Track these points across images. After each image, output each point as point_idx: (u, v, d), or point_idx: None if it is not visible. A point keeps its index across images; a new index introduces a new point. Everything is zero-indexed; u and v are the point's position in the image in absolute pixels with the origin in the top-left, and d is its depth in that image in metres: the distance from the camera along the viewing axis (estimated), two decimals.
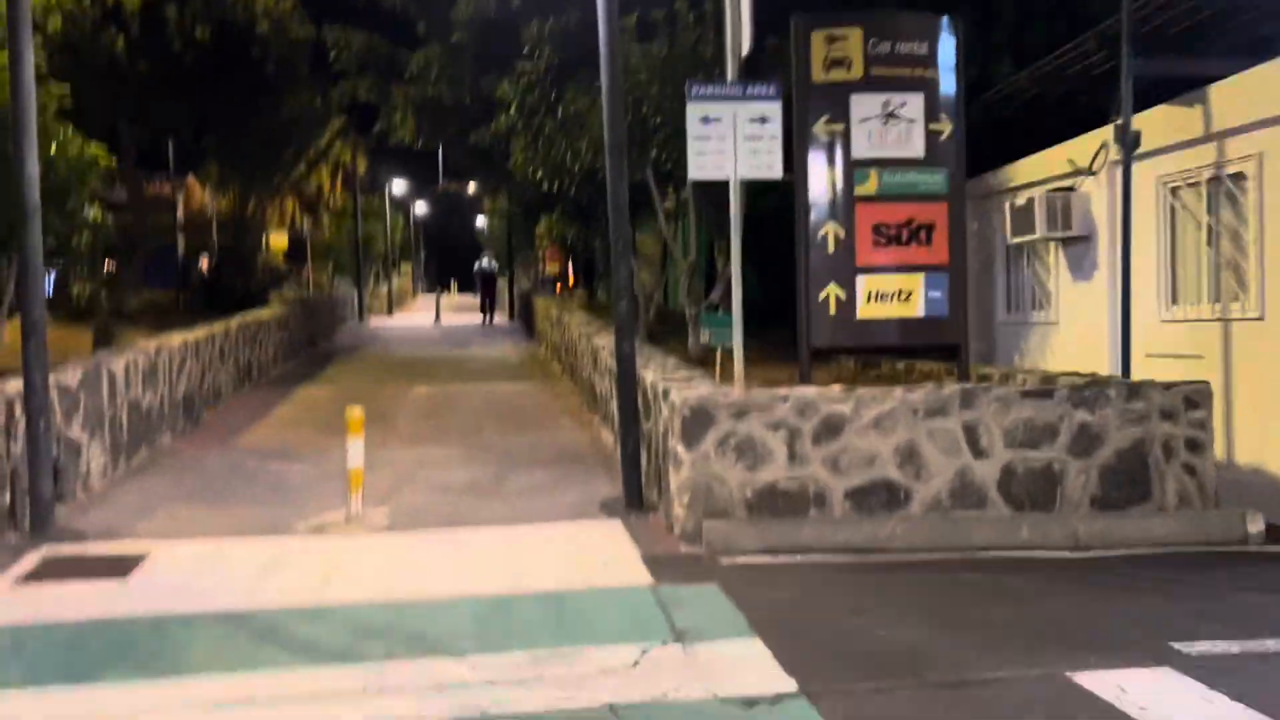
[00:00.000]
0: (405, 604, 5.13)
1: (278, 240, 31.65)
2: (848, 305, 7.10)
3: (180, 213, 29.79)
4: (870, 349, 8.19)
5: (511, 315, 30.00)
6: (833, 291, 7.07)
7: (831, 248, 7.12)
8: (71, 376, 7.36)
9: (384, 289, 37.73)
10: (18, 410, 6.34)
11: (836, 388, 6.53)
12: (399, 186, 41.17)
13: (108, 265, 19.56)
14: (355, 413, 6.69)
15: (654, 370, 7.47)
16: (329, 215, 34.80)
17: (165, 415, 9.53)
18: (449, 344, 21.27)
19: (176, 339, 10.36)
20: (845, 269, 7.10)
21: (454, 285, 56.24)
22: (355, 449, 6.69)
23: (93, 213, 12.68)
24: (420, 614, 4.99)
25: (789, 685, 4.05)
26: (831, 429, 6.32)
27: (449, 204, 63.06)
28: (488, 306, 29.44)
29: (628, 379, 6.98)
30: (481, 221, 49.15)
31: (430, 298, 38.64)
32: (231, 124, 19.39)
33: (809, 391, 6.44)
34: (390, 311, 34.60)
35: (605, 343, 10.07)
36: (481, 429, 10.49)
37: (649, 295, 15.39)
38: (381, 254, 41.54)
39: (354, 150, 30.10)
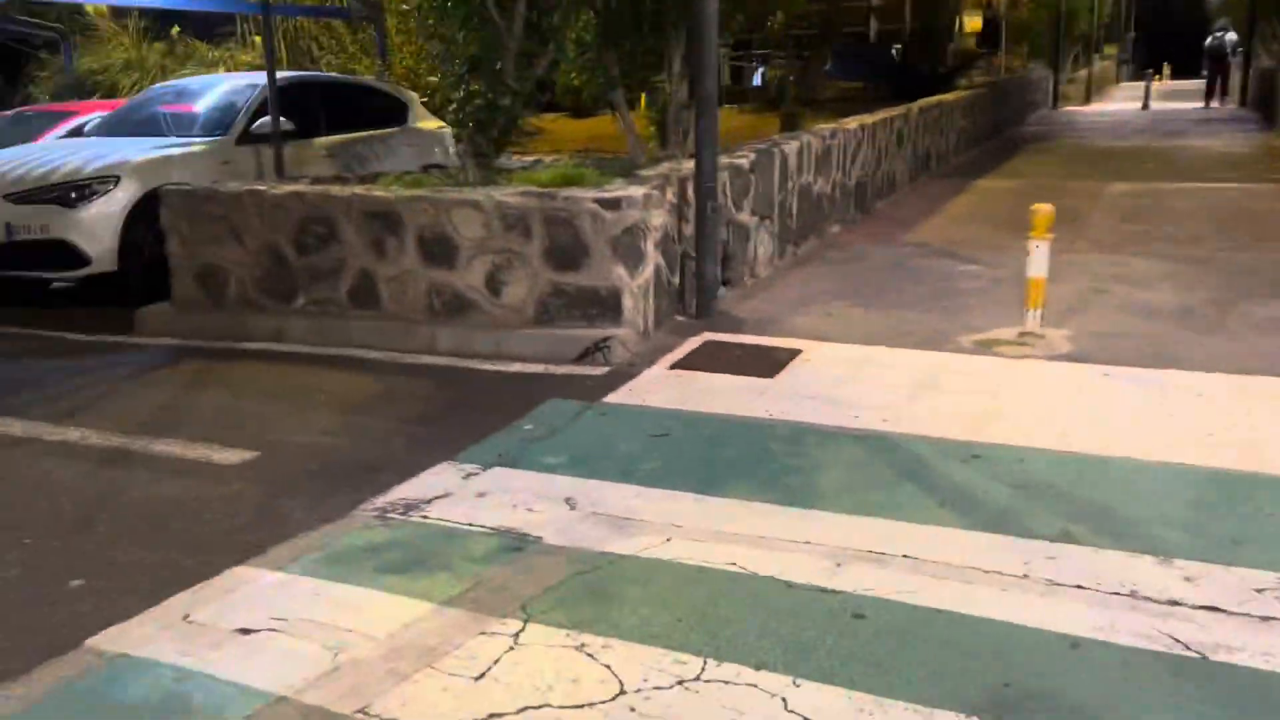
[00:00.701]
0: (1087, 460, 3.97)
1: (972, 22, 29.67)
2: None
3: None
4: None
5: (1243, 100, 24.69)
6: None
7: None
8: (744, 159, 7.15)
9: (1082, 73, 33.81)
10: (689, 191, 6.24)
11: None
12: None
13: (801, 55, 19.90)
14: (1043, 210, 5.41)
15: None
16: None
17: (835, 203, 9.15)
18: (1158, 134, 18.07)
19: (852, 123, 9.83)
20: None
21: (1166, 69, 48.55)
22: (1039, 254, 5.47)
23: None
24: (1108, 479, 3.80)
25: None
26: None
27: None
28: (1216, 89, 24.68)
29: None
30: None
31: (1136, 85, 33.66)
32: None
33: None
34: (1088, 98, 30.92)
35: None
36: (1199, 238, 8.39)
37: None
38: (1084, 34, 37.08)
39: None
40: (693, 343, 5.82)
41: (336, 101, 9.54)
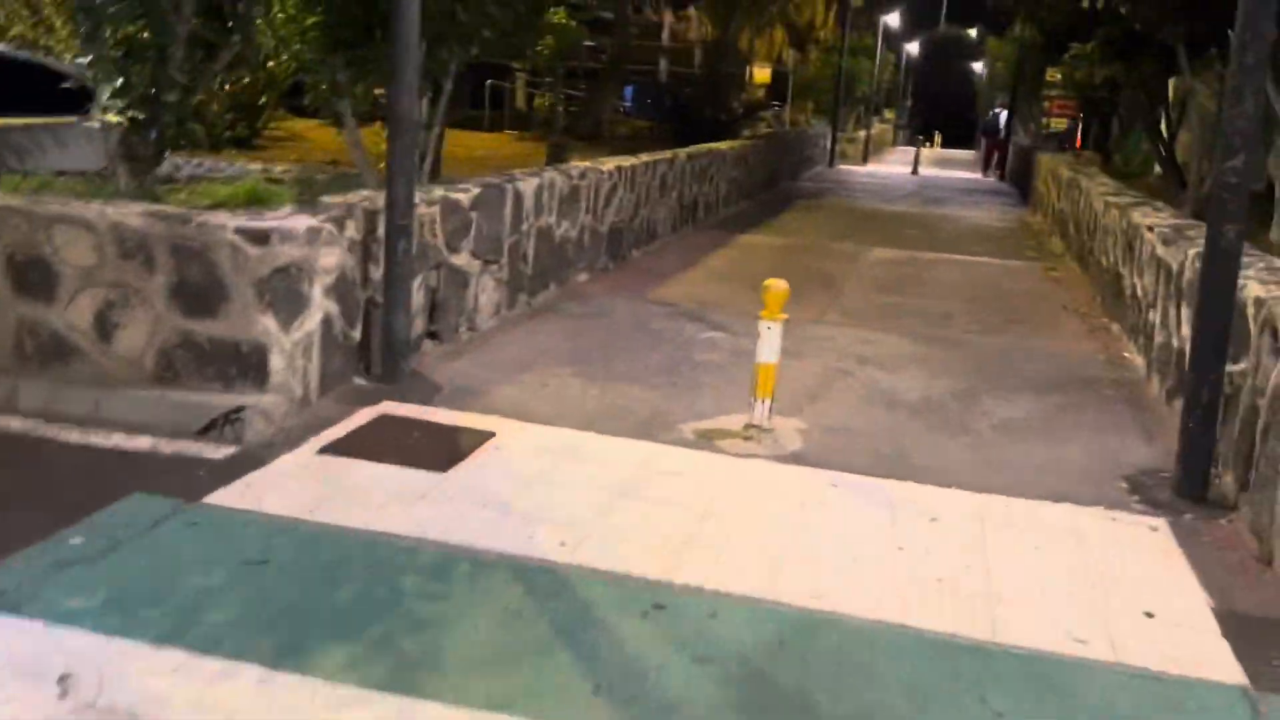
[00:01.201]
0: (793, 619, 3.15)
1: (760, 73, 30.12)
2: None
3: (665, 39, 29.36)
4: None
5: (1003, 175, 26.16)
6: None
7: None
8: (464, 193, 6.13)
9: (861, 133, 35.20)
10: (381, 227, 5.14)
11: None
12: (894, 20, 37.68)
13: (581, 87, 19.20)
14: (776, 287, 4.66)
15: (1258, 280, 4.58)
16: (817, 50, 32.55)
17: (584, 249, 8.28)
18: (924, 201, 18.53)
19: (609, 164, 9.03)
20: None
21: (937, 137, 51.84)
22: (770, 337, 4.71)
23: (557, 15, 11.71)
24: (815, 650, 2.98)
25: None
26: None
27: (945, 49, 57.92)
28: (991, 162, 26.71)
29: (1219, 289, 4.20)
30: (980, 67, 44.24)
31: (909, 149, 35.41)
32: None
33: None
34: (864, 159, 32.10)
35: (1151, 221, 7.06)
36: (951, 316, 8.08)
37: (1194, 164, 11.47)
38: (864, 96, 38.78)
39: None
40: (364, 415, 4.71)
41: None
